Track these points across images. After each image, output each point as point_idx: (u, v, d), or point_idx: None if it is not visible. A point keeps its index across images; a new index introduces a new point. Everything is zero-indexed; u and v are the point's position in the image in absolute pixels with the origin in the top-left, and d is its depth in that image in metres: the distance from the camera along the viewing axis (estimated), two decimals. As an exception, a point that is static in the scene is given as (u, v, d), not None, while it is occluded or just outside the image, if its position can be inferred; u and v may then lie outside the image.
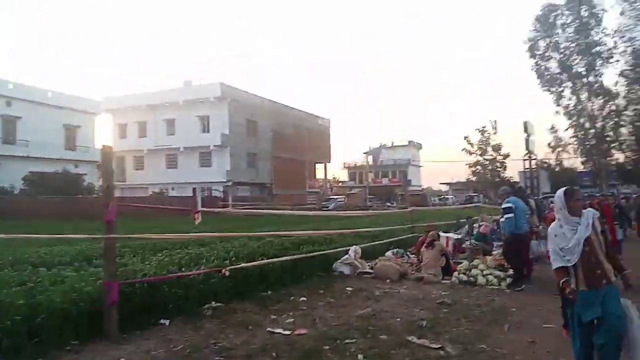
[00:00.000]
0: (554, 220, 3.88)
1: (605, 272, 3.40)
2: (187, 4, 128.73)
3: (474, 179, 53.20)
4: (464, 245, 10.67)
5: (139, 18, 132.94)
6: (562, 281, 3.54)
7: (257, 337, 4.93)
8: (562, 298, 4.58)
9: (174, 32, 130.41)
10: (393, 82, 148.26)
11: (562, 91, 34.84)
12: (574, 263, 3.44)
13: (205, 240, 9.35)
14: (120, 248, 8.33)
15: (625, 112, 34.20)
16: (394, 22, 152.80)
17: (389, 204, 50.81)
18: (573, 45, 34.03)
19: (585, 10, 33.49)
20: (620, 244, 10.37)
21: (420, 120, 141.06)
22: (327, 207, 40.32)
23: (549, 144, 39.49)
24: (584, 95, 34.41)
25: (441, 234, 11.25)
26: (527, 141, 29.76)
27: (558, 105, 35.12)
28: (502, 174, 49.26)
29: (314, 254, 8.26)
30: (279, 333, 5.05)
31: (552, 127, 37.70)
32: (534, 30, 35.20)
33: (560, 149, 41.15)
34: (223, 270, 6.24)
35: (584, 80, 34.17)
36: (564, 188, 3.62)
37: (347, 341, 4.80)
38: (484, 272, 8.03)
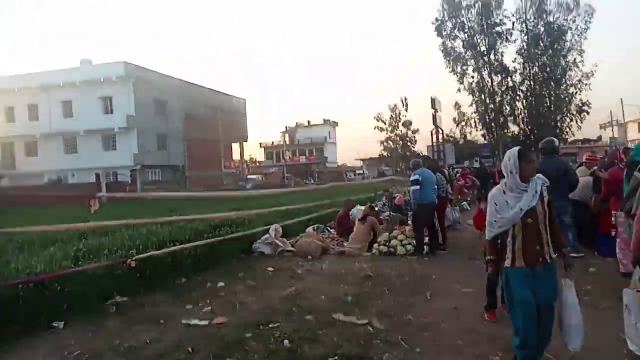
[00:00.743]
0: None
1: (546, 248, 3.05)
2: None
3: (386, 154, 55.31)
4: (381, 217, 10.81)
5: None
6: (488, 257, 3.27)
7: (170, 332, 4.42)
8: (488, 279, 4.36)
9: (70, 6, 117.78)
10: (308, 60, 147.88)
11: (466, 69, 36.87)
12: (507, 229, 3.05)
13: (110, 229, 8.41)
14: (5, 243, 7.24)
15: (520, 88, 37.16)
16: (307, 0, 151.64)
17: (306, 181, 51.13)
18: (476, 25, 35.98)
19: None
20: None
21: (336, 98, 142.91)
22: (245, 187, 39.39)
23: (453, 119, 41.97)
24: (485, 73, 36.72)
25: (358, 207, 11.33)
26: (434, 117, 31.34)
27: (461, 83, 37.20)
28: (412, 148, 51.68)
29: (231, 235, 7.77)
30: (195, 324, 4.59)
31: (457, 104, 39.99)
32: (442, 10, 36.68)
33: (463, 123, 43.97)
34: (128, 260, 5.58)
35: (486, 58, 36.41)
36: (515, 148, 3.12)
37: (270, 326, 4.48)
38: (403, 242, 8.13)
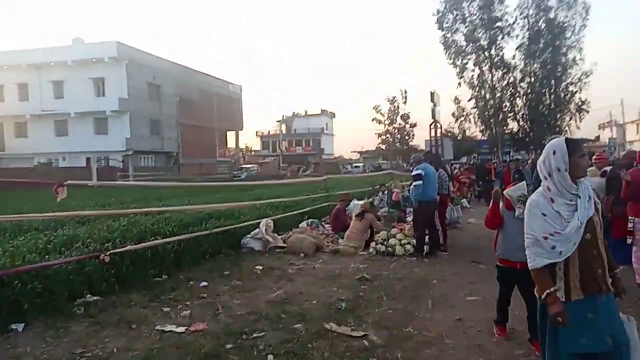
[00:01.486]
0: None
1: (607, 272, 2.29)
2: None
3: (383, 147, 54.72)
4: (378, 213, 10.35)
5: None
6: (547, 292, 2.24)
7: (141, 339, 3.94)
8: (500, 294, 3.95)
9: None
10: (307, 50, 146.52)
11: (467, 63, 36.33)
12: (565, 257, 2.23)
13: (91, 218, 7.87)
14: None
15: (520, 84, 36.72)
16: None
17: (302, 172, 50.50)
18: (478, 19, 35.39)
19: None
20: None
21: (334, 89, 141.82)
22: (239, 176, 38.76)
23: (452, 114, 41.37)
24: (485, 67, 36.19)
25: (355, 201, 10.85)
26: (433, 111, 30.87)
27: (461, 77, 36.65)
28: (410, 143, 51.12)
29: (218, 229, 7.26)
30: (171, 331, 4.11)
31: (456, 98, 39.39)
32: (443, 2, 36.00)
33: (462, 118, 43.42)
34: (102, 255, 5.07)
35: (486, 53, 35.85)
36: (561, 138, 2.32)
37: (254, 335, 4.01)
38: (402, 242, 7.66)
